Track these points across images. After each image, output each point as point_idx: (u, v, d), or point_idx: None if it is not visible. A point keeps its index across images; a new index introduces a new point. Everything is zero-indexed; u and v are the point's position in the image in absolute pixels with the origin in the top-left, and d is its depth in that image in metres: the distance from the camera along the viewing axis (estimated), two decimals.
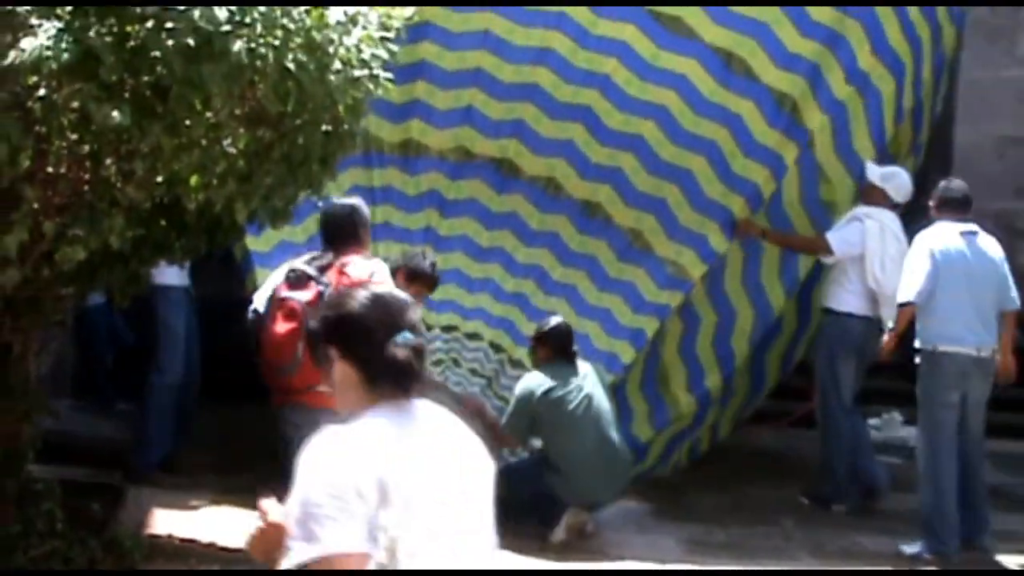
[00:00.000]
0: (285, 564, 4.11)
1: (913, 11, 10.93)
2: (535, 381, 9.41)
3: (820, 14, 10.50)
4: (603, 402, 9.56)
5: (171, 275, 9.85)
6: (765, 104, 10.46)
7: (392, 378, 4.25)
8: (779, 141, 10.53)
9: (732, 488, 11.09)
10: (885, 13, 10.72)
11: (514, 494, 9.30)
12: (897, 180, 10.63)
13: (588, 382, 9.54)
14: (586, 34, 10.24)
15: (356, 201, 8.42)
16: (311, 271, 8.03)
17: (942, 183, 10.23)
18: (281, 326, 7.93)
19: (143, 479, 9.91)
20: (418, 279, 9.14)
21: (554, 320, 9.67)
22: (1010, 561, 9.97)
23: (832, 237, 10.46)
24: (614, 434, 9.54)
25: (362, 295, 4.35)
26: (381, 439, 4.15)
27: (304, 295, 7.89)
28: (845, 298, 10.55)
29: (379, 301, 4.30)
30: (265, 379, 8.13)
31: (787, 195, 10.72)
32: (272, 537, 4.22)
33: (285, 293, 7.98)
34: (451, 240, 10.10)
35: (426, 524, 4.12)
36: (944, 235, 9.74)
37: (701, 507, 10.70)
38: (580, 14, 10.20)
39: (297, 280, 8.00)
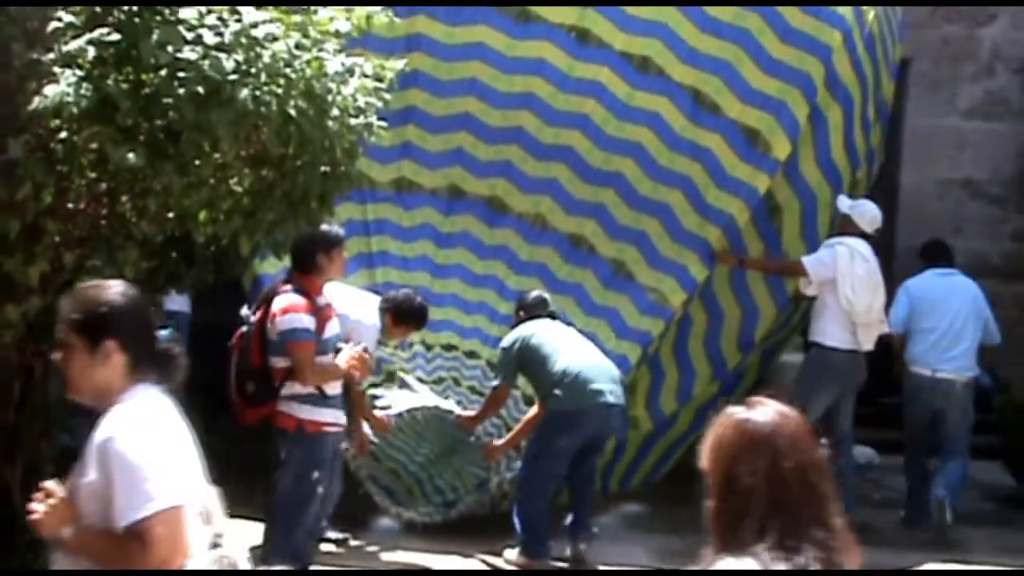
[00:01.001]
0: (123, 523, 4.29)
1: (859, 48, 10.91)
2: (513, 335, 9.41)
3: (780, 52, 10.48)
4: (578, 335, 9.53)
5: (177, 302, 9.88)
6: (734, 138, 10.43)
7: (156, 362, 4.54)
8: (750, 173, 10.49)
9: (696, 502, 11.03)
10: (838, 51, 10.69)
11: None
12: (862, 209, 10.60)
13: (560, 326, 9.54)
14: (565, 78, 10.23)
15: (324, 228, 8.29)
16: (244, 311, 8.33)
17: None
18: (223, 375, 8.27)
19: None
20: (404, 322, 9.13)
21: (532, 293, 9.66)
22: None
23: (806, 260, 10.42)
24: (597, 351, 9.45)
25: (116, 291, 4.59)
26: (167, 407, 4.46)
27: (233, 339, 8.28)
28: (831, 331, 10.47)
29: (131, 295, 4.55)
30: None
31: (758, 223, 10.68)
32: (62, 512, 4.51)
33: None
34: (448, 268, 10.06)
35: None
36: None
37: (668, 519, 10.65)
38: (559, 59, 10.19)
39: (242, 320, 8.32)
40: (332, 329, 8.19)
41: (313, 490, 8.10)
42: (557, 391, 9.13)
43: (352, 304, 9.37)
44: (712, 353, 10.64)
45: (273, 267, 9.72)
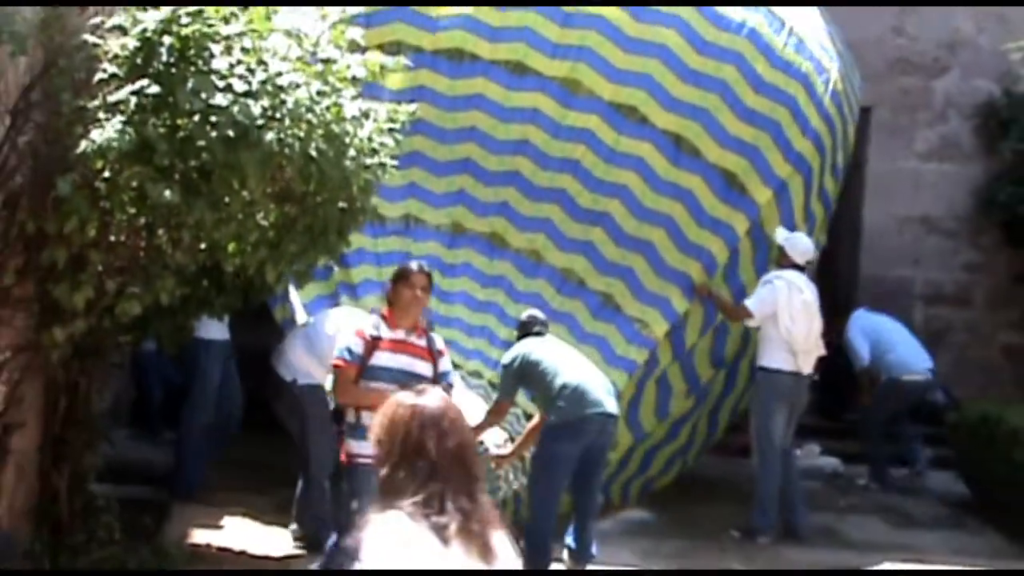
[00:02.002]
0: None
1: (827, 101, 10.92)
2: (512, 353, 9.16)
3: (754, 101, 10.46)
4: (572, 350, 9.29)
5: (214, 330, 9.77)
6: (713, 180, 10.35)
7: None
8: (729, 213, 10.41)
9: (678, 508, 11.01)
10: (805, 101, 10.72)
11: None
12: (794, 241, 10.48)
13: (555, 342, 9.30)
14: (557, 126, 10.20)
15: (409, 264, 8.18)
16: None
17: None
18: None
19: (183, 497, 9.87)
20: None
21: (525, 313, 9.51)
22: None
23: (750, 303, 10.34)
24: (591, 365, 9.19)
25: None
26: None
27: None
28: (773, 355, 10.37)
29: None
30: None
31: (742, 263, 10.66)
32: None
33: None
34: (452, 295, 10.01)
35: None
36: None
37: (652, 524, 10.64)
38: (552, 109, 10.16)
39: None
40: (398, 361, 7.85)
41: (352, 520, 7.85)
42: (560, 403, 9.06)
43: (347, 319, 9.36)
44: (687, 371, 10.60)
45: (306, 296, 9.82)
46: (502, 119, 10.22)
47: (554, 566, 8.99)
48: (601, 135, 10.22)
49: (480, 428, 9.23)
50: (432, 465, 3.65)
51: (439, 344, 8.12)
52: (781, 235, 10.47)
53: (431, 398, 3.79)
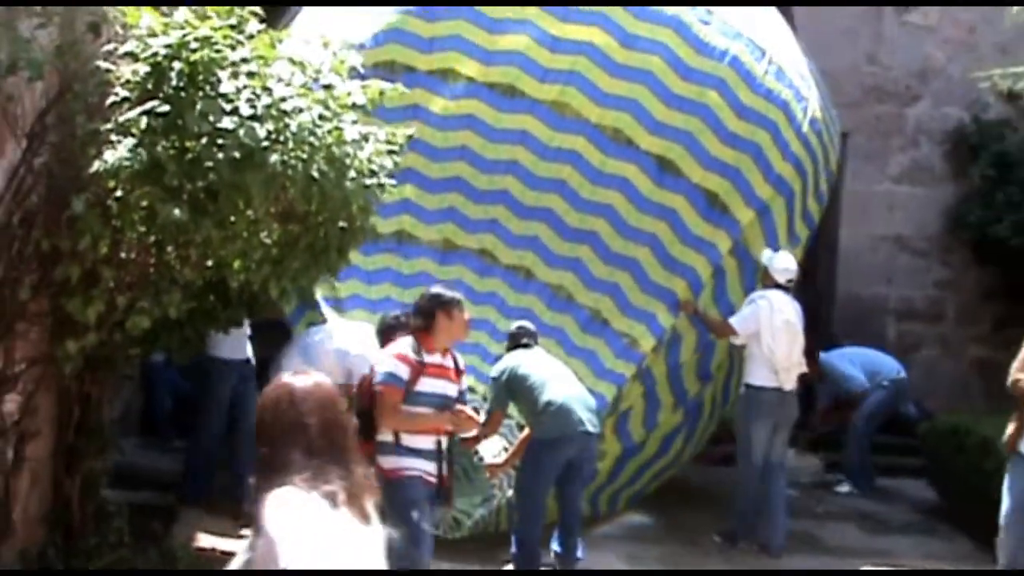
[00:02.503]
0: None
1: (806, 127, 10.94)
2: (501, 365, 9.15)
3: (736, 126, 10.48)
4: (559, 364, 9.27)
5: (226, 349, 9.69)
6: (696, 200, 10.35)
7: None
8: (711, 232, 10.40)
9: (662, 514, 11.00)
10: (785, 126, 10.73)
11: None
12: (775, 261, 10.43)
13: (543, 355, 9.28)
14: (545, 147, 10.21)
15: (444, 291, 8.02)
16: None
17: None
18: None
19: (192, 504, 9.83)
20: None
21: (514, 324, 9.49)
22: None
23: (734, 321, 10.31)
24: (575, 380, 9.18)
25: None
26: None
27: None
28: (757, 372, 10.33)
29: None
30: None
31: (730, 282, 10.66)
32: None
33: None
34: None
35: None
36: None
37: (637, 529, 10.63)
38: (540, 131, 10.17)
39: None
40: (436, 386, 7.76)
41: (419, 529, 7.65)
42: (543, 419, 9.05)
43: (354, 340, 9.33)
44: (674, 385, 10.58)
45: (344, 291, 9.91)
46: (492, 140, 10.23)
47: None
48: (588, 156, 10.23)
49: (477, 439, 9.21)
50: (310, 441, 3.82)
51: (462, 362, 8.09)
52: (765, 255, 10.47)
53: (303, 379, 3.96)
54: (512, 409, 9.24)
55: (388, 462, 7.59)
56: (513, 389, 9.08)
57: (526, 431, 9.21)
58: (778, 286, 10.39)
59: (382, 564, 3.86)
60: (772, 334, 10.21)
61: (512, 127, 10.22)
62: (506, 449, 9.43)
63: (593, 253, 10.20)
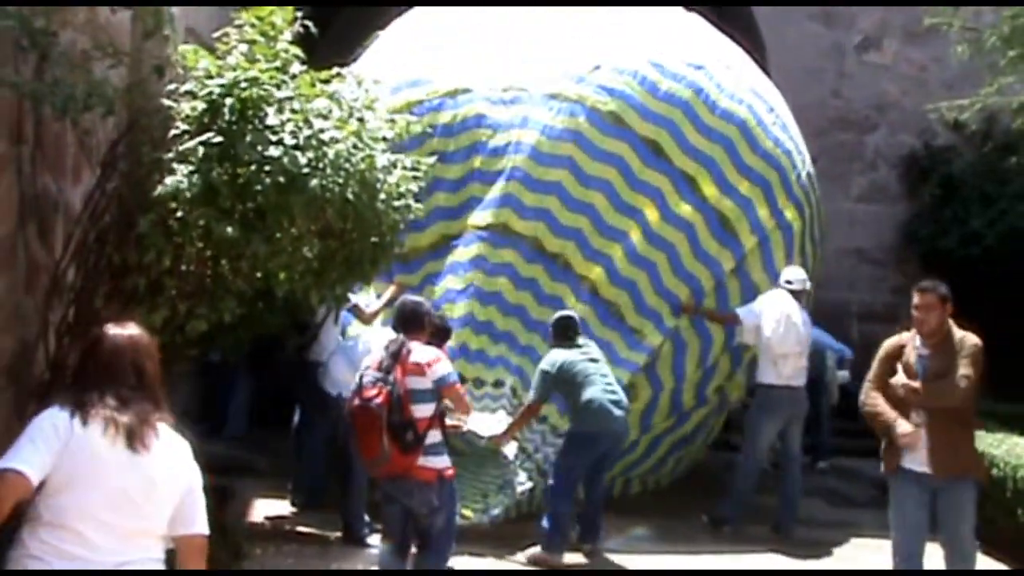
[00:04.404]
0: None
1: (804, 175, 10.99)
2: (549, 360, 9.06)
3: (751, 160, 10.46)
4: (602, 363, 9.22)
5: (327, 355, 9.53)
6: (711, 219, 10.29)
7: None
8: (718, 250, 10.32)
9: (654, 493, 10.96)
10: (789, 169, 10.76)
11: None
12: (785, 272, 10.37)
13: (589, 352, 9.20)
14: (636, 177, 10.13)
15: (421, 298, 7.82)
16: (378, 376, 7.09)
17: None
18: (364, 431, 7.06)
19: (304, 503, 9.73)
20: (436, 334, 8.26)
21: (558, 313, 9.35)
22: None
23: (739, 311, 10.26)
24: (612, 380, 9.20)
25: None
26: None
27: (378, 398, 6.99)
28: (766, 370, 10.18)
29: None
30: (363, 464, 7.48)
31: (731, 297, 10.46)
32: None
33: (365, 397, 7.06)
34: (490, 295, 9.79)
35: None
36: None
37: (632, 504, 10.57)
38: (633, 161, 10.13)
39: (372, 383, 7.07)
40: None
41: (454, 526, 7.61)
42: (584, 415, 9.03)
43: (377, 336, 9.28)
44: (674, 397, 10.42)
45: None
46: (593, 157, 10.12)
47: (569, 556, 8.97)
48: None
49: (510, 432, 9.11)
50: (87, 376, 4.11)
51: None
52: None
53: (116, 329, 4.27)
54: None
55: (442, 461, 7.22)
56: (559, 383, 9.03)
57: (525, 404, 9.15)
58: (788, 290, 10.27)
59: (137, 487, 3.96)
60: (771, 326, 10.07)
61: (612, 151, 10.15)
62: (498, 417, 9.31)
63: (622, 250, 10.03)
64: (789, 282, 10.32)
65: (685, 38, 10.99)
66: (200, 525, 4.09)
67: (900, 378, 7.23)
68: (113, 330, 4.23)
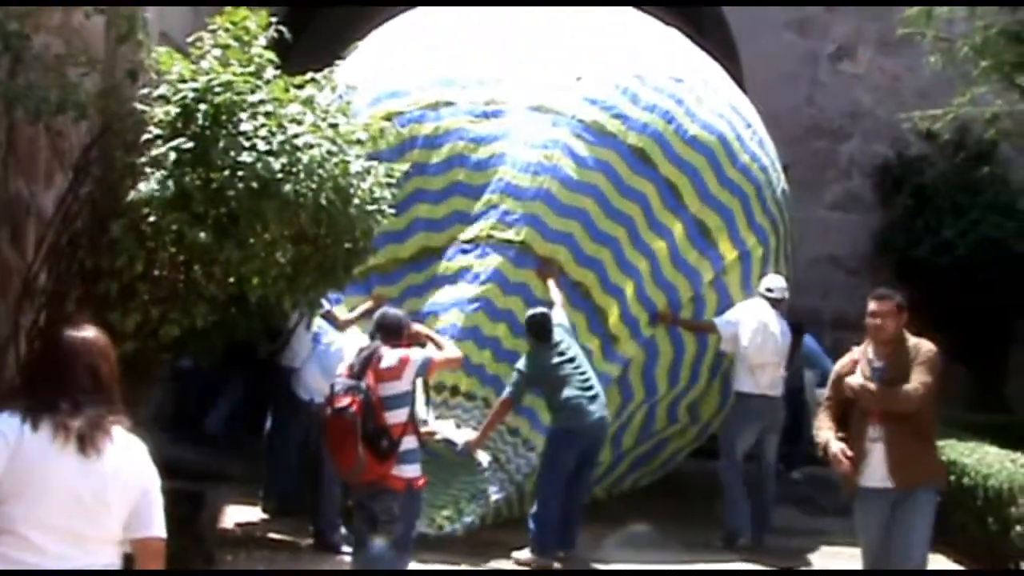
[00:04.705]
0: None
1: (779, 191, 11.07)
2: (525, 360, 9.09)
3: (732, 173, 10.47)
4: (578, 360, 9.21)
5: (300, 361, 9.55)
6: (691, 229, 10.27)
7: None
8: (697, 259, 10.31)
9: (632, 496, 10.90)
10: (765, 184, 10.81)
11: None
12: (764, 280, 10.35)
13: (564, 347, 9.18)
14: (655, 217, 10.15)
15: (403, 312, 7.75)
16: (350, 384, 7.00)
17: None
18: (338, 440, 6.96)
19: (277, 507, 9.71)
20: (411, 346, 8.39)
21: (530, 311, 9.28)
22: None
23: (717, 320, 10.18)
24: (590, 376, 9.20)
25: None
26: None
27: (352, 406, 6.88)
28: (743, 379, 10.12)
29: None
30: (339, 473, 7.46)
31: (708, 311, 10.42)
32: None
33: (338, 406, 6.94)
34: (476, 299, 9.70)
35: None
36: None
37: (610, 509, 10.51)
38: (655, 201, 10.16)
39: (345, 391, 6.98)
40: None
41: (411, 537, 7.52)
42: (561, 413, 9.09)
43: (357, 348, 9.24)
44: (649, 414, 10.43)
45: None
46: (620, 191, 10.11)
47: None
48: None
49: (484, 434, 9.10)
50: (39, 379, 4.02)
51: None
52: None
53: (76, 331, 4.16)
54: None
55: (413, 471, 7.17)
56: (537, 381, 9.06)
57: (497, 404, 9.15)
58: (766, 299, 10.25)
59: (89, 492, 3.88)
60: (748, 335, 10.03)
61: (638, 188, 10.16)
62: (469, 428, 9.28)
63: (612, 257, 9.99)
64: (770, 290, 10.31)
65: (665, 52, 11.02)
66: (157, 528, 4.04)
67: (857, 378, 7.12)
68: (67, 332, 4.15)
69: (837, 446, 7.03)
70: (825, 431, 7.20)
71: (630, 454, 10.48)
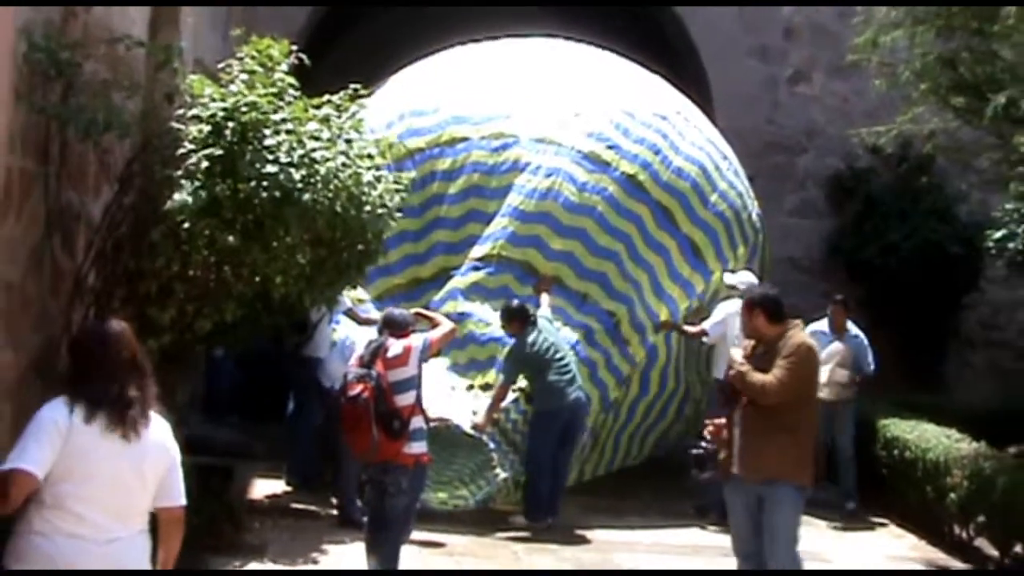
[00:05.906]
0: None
1: (754, 214, 11.13)
2: (514, 347, 9.15)
3: (715, 199, 10.52)
4: (556, 346, 9.24)
5: (324, 351, 9.58)
6: (684, 246, 10.31)
7: None
8: (690, 273, 10.36)
9: (611, 475, 10.91)
10: (742, 208, 10.85)
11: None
12: (733, 276, 10.32)
13: (545, 335, 9.21)
14: (650, 235, 10.18)
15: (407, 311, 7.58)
16: (362, 373, 6.91)
17: None
18: (352, 424, 6.89)
19: (298, 485, 9.73)
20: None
21: (506, 303, 9.28)
22: None
23: (707, 327, 10.06)
24: (569, 361, 9.26)
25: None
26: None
27: (364, 393, 6.81)
28: (721, 367, 9.98)
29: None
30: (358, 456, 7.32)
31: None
32: None
33: (351, 394, 6.87)
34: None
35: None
36: None
37: (592, 485, 10.50)
38: (650, 222, 10.19)
39: (357, 379, 6.90)
40: None
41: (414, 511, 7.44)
42: (542, 395, 9.17)
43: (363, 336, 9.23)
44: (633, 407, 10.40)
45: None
46: (619, 213, 10.12)
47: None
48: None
49: (488, 417, 9.14)
50: (81, 371, 4.03)
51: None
52: (728, 278, 10.34)
53: (111, 324, 4.21)
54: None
55: (420, 447, 7.07)
56: (524, 364, 9.14)
57: (495, 388, 9.21)
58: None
59: (129, 471, 3.96)
60: (733, 330, 9.98)
61: (633, 210, 10.18)
62: (474, 412, 9.33)
63: (615, 268, 9.99)
64: (733, 287, 10.34)
65: (651, 93, 11.05)
66: (179, 497, 4.16)
67: (737, 352, 6.78)
68: (99, 326, 4.23)
69: (744, 366, 6.59)
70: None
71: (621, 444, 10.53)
